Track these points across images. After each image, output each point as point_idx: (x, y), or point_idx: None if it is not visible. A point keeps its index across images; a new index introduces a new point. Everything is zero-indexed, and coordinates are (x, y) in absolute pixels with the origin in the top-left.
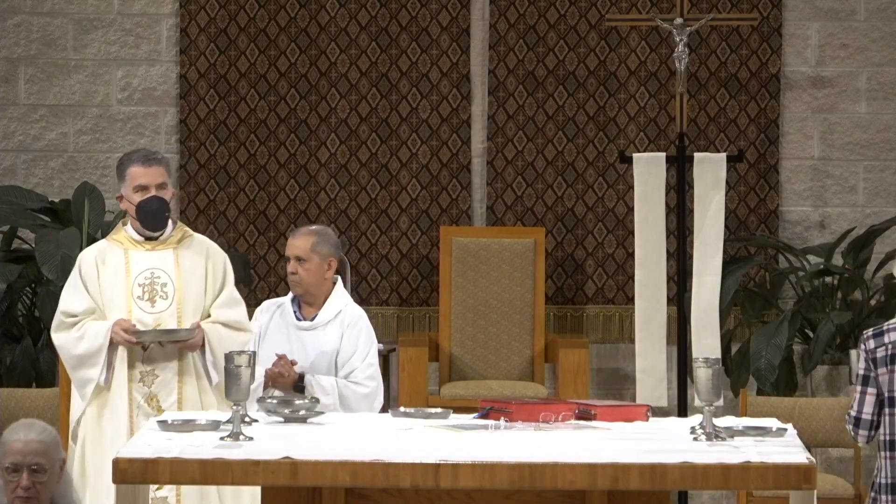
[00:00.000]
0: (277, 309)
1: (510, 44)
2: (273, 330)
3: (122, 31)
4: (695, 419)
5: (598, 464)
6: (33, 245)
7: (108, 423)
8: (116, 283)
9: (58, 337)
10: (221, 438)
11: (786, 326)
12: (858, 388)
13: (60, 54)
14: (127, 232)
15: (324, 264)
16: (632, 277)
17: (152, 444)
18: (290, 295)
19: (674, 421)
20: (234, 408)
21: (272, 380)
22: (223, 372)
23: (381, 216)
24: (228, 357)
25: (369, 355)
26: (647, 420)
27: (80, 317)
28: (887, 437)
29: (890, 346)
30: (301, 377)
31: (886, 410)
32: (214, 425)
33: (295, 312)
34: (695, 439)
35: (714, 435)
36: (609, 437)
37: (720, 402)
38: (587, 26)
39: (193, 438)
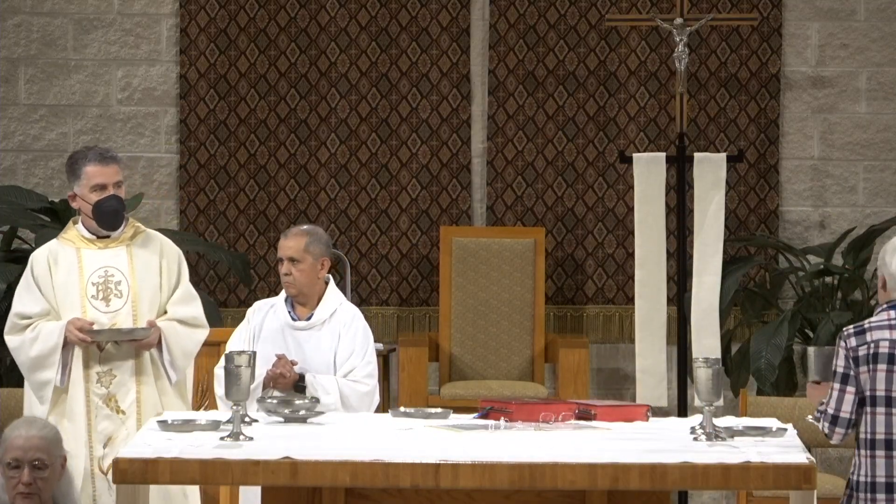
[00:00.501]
0: (270, 309)
1: (510, 44)
2: (268, 330)
3: (122, 31)
4: (695, 419)
5: (598, 464)
6: (33, 245)
7: (67, 426)
8: (70, 283)
9: (11, 339)
10: (221, 438)
11: (786, 326)
12: (837, 385)
13: (60, 54)
14: (78, 230)
15: (317, 264)
16: (632, 277)
17: (152, 444)
18: (283, 295)
19: (674, 421)
20: (234, 408)
21: (273, 380)
22: (181, 370)
23: (381, 216)
24: (228, 357)
25: (368, 353)
26: (647, 420)
27: (35, 319)
28: (868, 436)
29: (872, 345)
30: (301, 377)
31: (868, 409)
32: (214, 425)
33: (289, 312)
34: (695, 439)
35: (714, 435)
36: (609, 437)
37: (720, 402)
38: (587, 26)
39: (193, 438)
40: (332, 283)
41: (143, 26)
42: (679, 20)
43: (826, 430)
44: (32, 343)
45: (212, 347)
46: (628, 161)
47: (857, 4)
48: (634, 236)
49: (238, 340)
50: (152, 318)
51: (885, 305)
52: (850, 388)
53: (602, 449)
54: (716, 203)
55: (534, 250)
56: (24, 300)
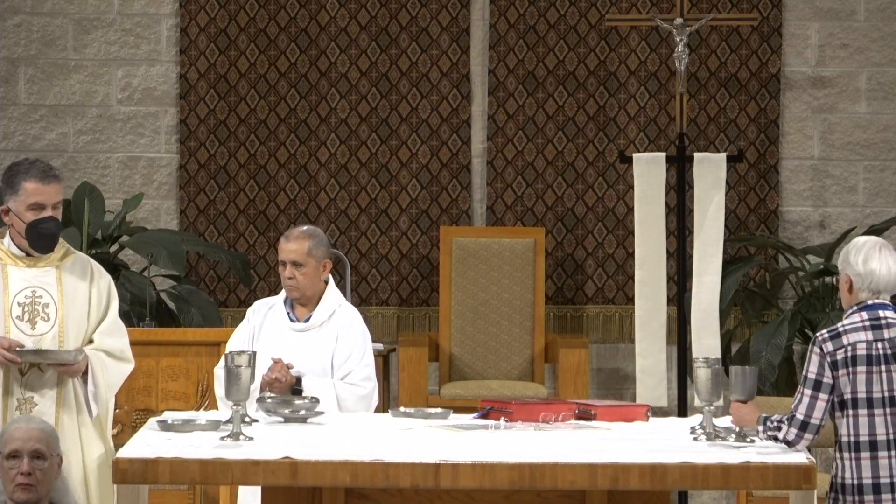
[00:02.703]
0: (269, 310)
1: (510, 44)
2: (266, 331)
3: (122, 31)
4: (695, 419)
5: (598, 464)
6: None
7: None
8: None
9: None
10: (221, 438)
11: (786, 326)
12: (808, 391)
13: (60, 54)
14: (5, 245)
15: (319, 267)
16: (632, 277)
17: (152, 444)
18: (283, 295)
19: (674, 421)
20: (234, 408)
21: (269, 385)
22: (104, 404)
23: (381, 216)
24: (228, 357)
25: (365, 356)
26: (647, 420)
27: None
28: (851, 439)
29: (849, 348)
30: (298, 381)
31: (850, 412)
32: (214, 425)
33: (288, 314)
34: (695, 439)
35: (714, 435)
36: (609, 437)
37: (720, 402)
38: (587, 26)
39: (193, 438)
40: (331, 283)
41: (143, 26)
42: (679, 20)
43: (791, 437)
44: None
45: (212, 347)
46: (628, 161)
47: (857, 4)
48: (634, 236)
49: (238, 340)
50: (79, 346)
51: (854, 308)
52: (823, 396)
53: (602, 449)
54: (716, 203)
55: (534, 250)
56: None
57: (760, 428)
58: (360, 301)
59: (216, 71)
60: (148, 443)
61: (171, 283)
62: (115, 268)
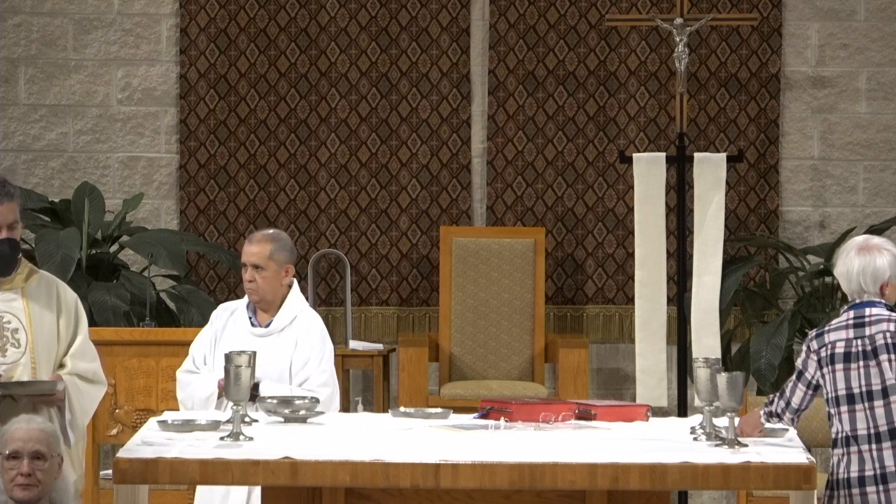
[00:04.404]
0: (231, 314)
1: (510, 44)
2: (228, 335)
3: (122, 31)
4: (695, 419)
5: (598, 464)
6: (33, 245)
7: None
8: None
9: None
10: (221, 438)
11: (786, 326)
12: (793, 378)
13: (60, 54)
14: None
15: (281, 271)
16: (632, 277)
17: (152, 444)
18: (246, 299)
19: (674, 421)
20: (234, 408)
21: (225, 390)
22: (80, 430)
23: (381, 216)
24: (228, 357)
25: (323, 361)
26: (647, 420)
27: None
28: (840, 435)
29: (829, 346)
30: (255, 386)
31: (835, 409)
32: (214, 425)
33: (250, 318)
34: (695, 439)
35: (714, 435)
36: (609, 437)
37: (720, 403)
38: (587, 26)
39: (193, 438)
40: (295, 287)
41: (143, 26)
42: (679, 20)
43: (779, 410)
44: None
45: (178, 347)
46: (628, 161)
47: (857, 4)
48: (634, 236)
49: (200, 344)
50: (51, 372)
51: (846, 307)
52: (802, 386)
53: (602, 449)
54: (716, 203)
55: (534, 250)
56: None
57: (762, 412)
58: (360, 301)
59: (216, 71)
60: (148, 443)
61: (171, 283)
62: (115, 268)
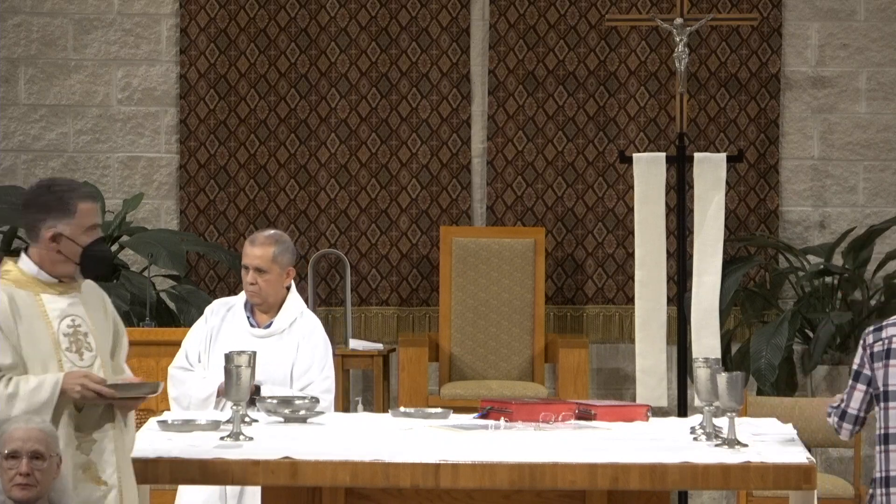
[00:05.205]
0: (228, 311)
1: (510, 44)
2: (225, 334)
3: (122, 31)
4: (695, 419)
5: (598, 464)
6: None
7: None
8: (36, 332)
9: None
10: (221, 438)
11: (786, 326)
12: (850, 382)
13: (60, 54)
14: (26, 271)
15: (283, 274)
16: (632, 277)
17: (152, 444)
18: (243, 297)
19: (674, 421)
20: (234, 408)
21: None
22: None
23: (381, 216)
24: (228, 357)
25: (326, 367)
26: (647, 420)
27: (4, 372)
28: (882, 431)
29: (886, 341)
30: (257, 389)
31: (882, 405)
32: (214, 425)
33: (248, 318)
34: (695, 439)
35: (714, 435)
36: (609, 437)
37: (720, 403)
38: (587, 26)
39: (193, 438)
40: (293, 289)
41: (143, 26)
42: (679, 20)
43: (835, 426)
44: (11, 401)
45: (178, 348)
46: (628, 161)
47: (857, 4)
48: (634, 236)
49: (195, 340)
50: (110, 375)
51: None
52: (861, 386)
53: (602, 449)
54: (716, 203)
55: (534, 250)
56: None
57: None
58: (360, 301)
59: (216, 71)
60: (148, 443)
61: (171, 283)
62: (115, 268)
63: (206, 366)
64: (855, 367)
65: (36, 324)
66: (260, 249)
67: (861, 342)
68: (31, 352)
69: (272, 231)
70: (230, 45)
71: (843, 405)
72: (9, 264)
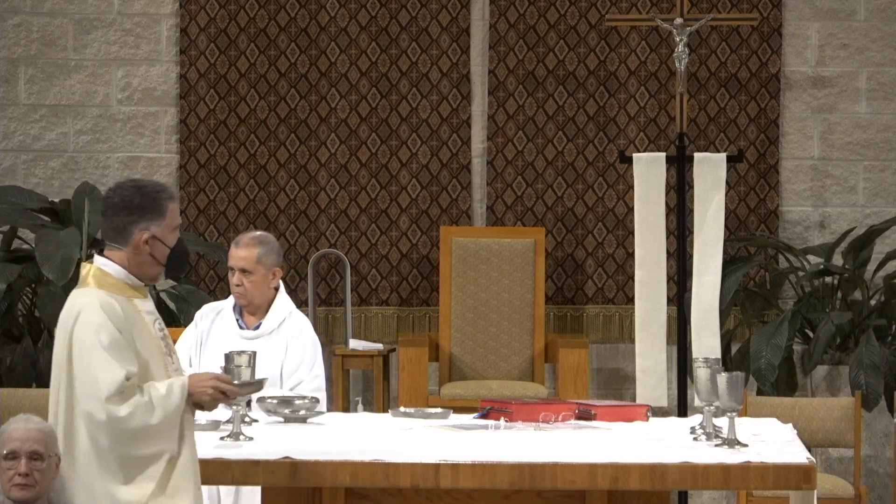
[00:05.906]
0: (217, 315)
1: (510, 44)
2: (214, 337)
3: (122, 31)
4: (695, 419)
5: (598, 464)
6: (33, 245)
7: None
8: (145, 338)
9: (124, 408)
10: (221, 438)
11: (786, 326)
12: None
13: (60, 54)
14: (119, 276)
15: (268, 275)
16: (632, 277)
17: None
18: (231, 300)
19: (674, 421)
20: (234, 408)
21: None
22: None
23: (381, 216)
24: (228, 357)
25: (315, 366)
26: (647, 420)
27: (133, 379)
28: None
29: None
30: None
31: None
32: (214, 425)
33: (237, 320)
34: (695, 439)
35: (714, 435)
36: (609, 437)
37: (720, 403)
38: (587, 26)
39: None
40: (282, 290)
41: (143, 26)
42: (679, 20)
43: None
44: (149, 409)
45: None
46: (628, 161)
47: (857, 4)
48: (634, 236)
49: (185, 345)
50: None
51: None
52: None
53: (602, 449)
54: (716, 203)
55: (534, 250)
56: (122, 359)
57: None
58: (360, 301)
59: (216, 71)
60: None
61: (171, 282)
62: None
63: (197, 370)
64: None
65: (143, 330)
66: (244, 251)
67: None
68: (147, 358)
69: (257, 232)
70: (230, 45)
71: None
72: (92, 269)
